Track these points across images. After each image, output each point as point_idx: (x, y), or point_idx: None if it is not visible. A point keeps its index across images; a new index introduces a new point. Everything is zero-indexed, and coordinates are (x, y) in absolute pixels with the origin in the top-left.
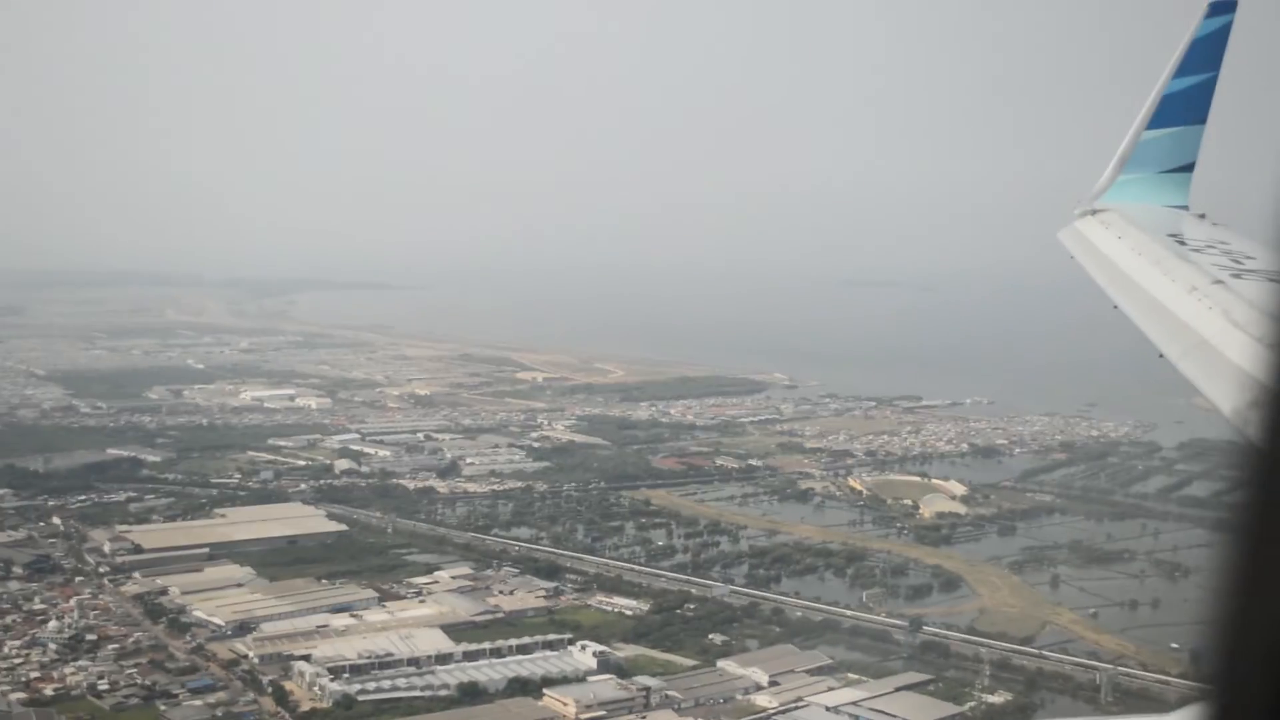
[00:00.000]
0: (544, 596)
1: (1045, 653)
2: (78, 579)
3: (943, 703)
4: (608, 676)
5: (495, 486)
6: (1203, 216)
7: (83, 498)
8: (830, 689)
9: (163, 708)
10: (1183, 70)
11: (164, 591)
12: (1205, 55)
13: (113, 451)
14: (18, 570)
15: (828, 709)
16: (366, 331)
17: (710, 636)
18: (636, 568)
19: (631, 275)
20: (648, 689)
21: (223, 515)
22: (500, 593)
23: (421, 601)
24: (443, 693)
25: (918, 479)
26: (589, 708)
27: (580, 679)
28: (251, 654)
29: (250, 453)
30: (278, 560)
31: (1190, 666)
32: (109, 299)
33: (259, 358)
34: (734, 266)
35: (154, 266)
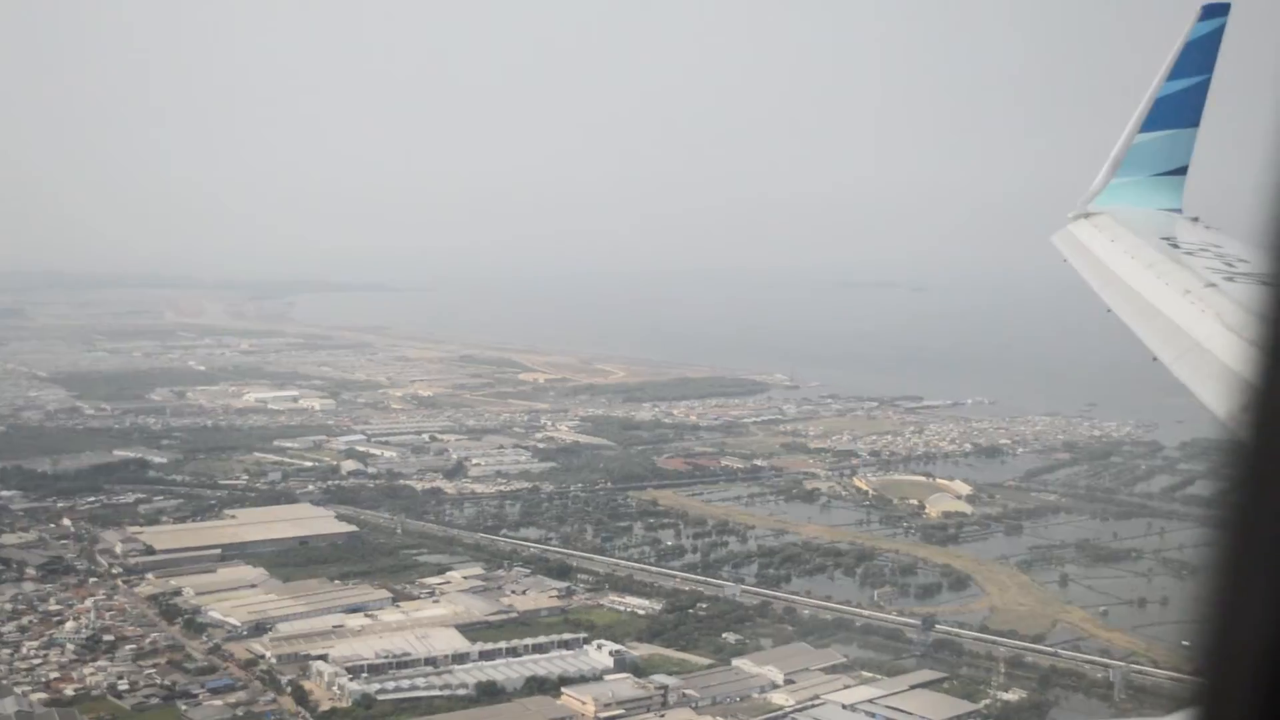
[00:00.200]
0: (557, 596)
1: (1058, 650)
2: (91, 580)
3: (958, 700)
4: (624, 675)
5: (502, 487)
6: (1196, 220)
7: (92, 499)
8: (846, 687)
9: (183, 707)
10: (1176, 73)
11: (178, 592)
12: (1199, 58)
13: (119, 453)
14: (31, 571)
15: (844, 707)
16: (367, 333)
17: (724, 635)
18: (647, 567)
19: (628, 280)
20: (665, 687)
21: (233, 516)
22: (513, 593)
23: (435, 601)
24: (461, 692)
25: (923, 479)
26: (607, 706)
27: (597, 678)
28: (269, 654)
29: (256, 454)
30: (289, 561)
31: (1183, 664)
32: (106, 301)
33: (260, 359)
34: (730, 270)
35: (149, 268)
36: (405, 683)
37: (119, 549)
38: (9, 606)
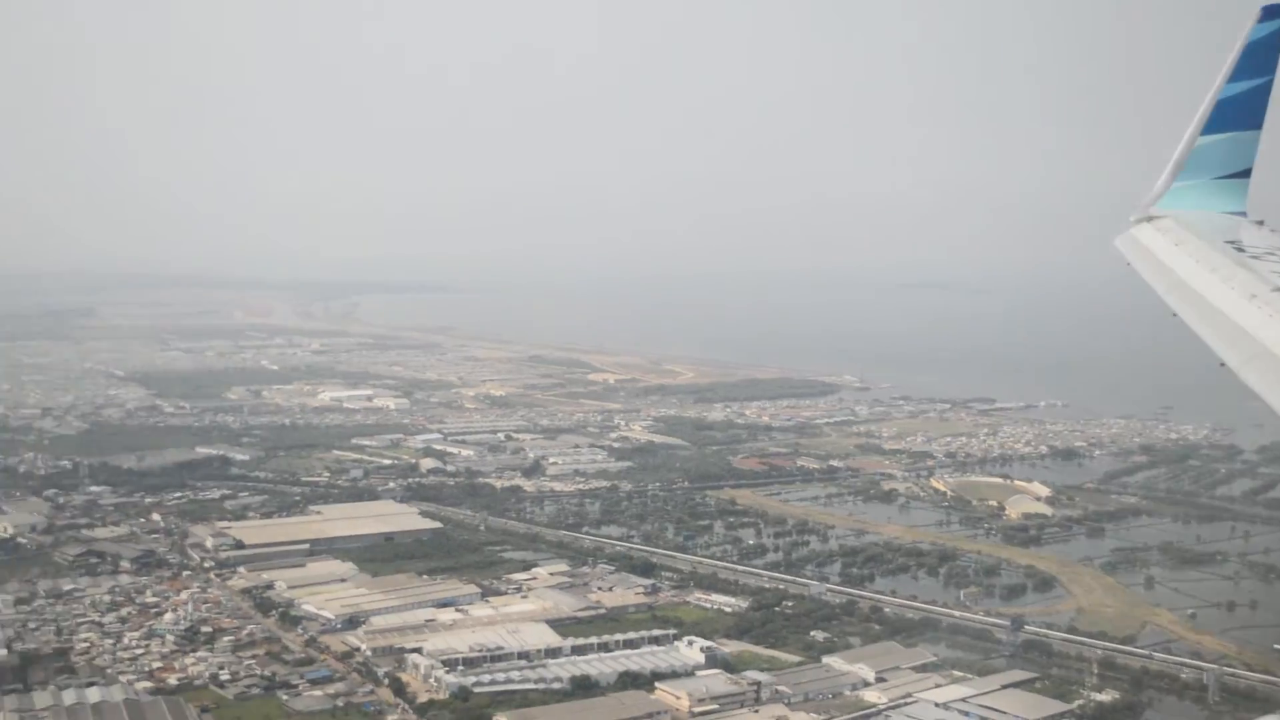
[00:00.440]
0: (643, 593)
1: (1152, 653)
2: (184, 573)
3: (1051, 700)
4: (716, 671)
5: (581, 485)
6: (1261, 223)
7: (178, 495)
8: (937, 685)
9: (284, 697)
10: (1237, 75)
11: (270, 586)
12: (1259, 59)
13: (202, 450)
14: (126, 565)
15: (937, 705)
16: (434, 333)
17: (812, 633)
18: (730, 565)
19: (688, 282)
20: (758, 683)
21: (318, 512)
22: (599, 589)
23: (524, 597)
24: (556, 685)
25: (1000, 480)
26: (701, 701)
27: (689, 673)
28: (364, 647)
29: (335, 452)
30: (376, 556)
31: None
32: (175, 300)
33: (332, 359)
34: (789, 270)
35: (214, 270)
36: (500, 676)
37: (209, 543)
38: (108, 598)
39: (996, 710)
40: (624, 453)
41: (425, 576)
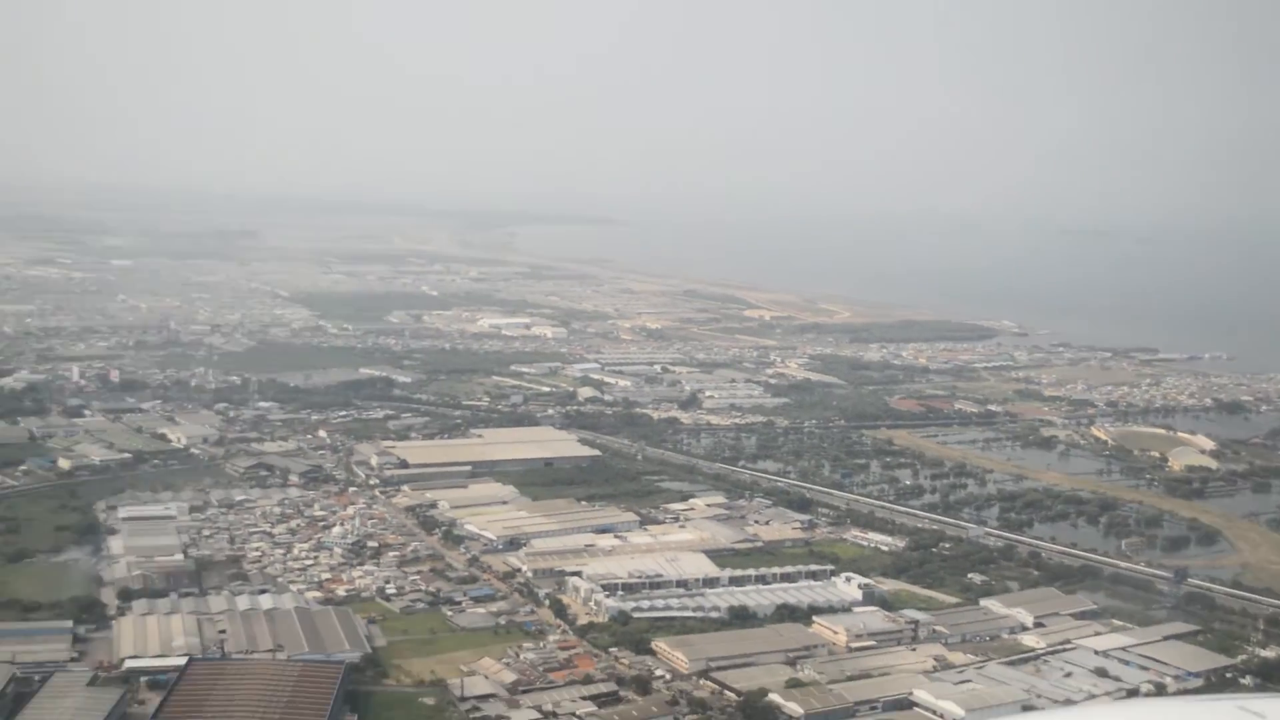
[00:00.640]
0: (799, 528)
1: None
2: (351, 489)
3: (1213, 654)
4: (873, 608)
5: (737, 420)
6: None
7: (343, 413)
8: (1097, 634)
9: (448, 613)
10: None
11: (434, 505)
12: None
13: (365, 371)
14: (294, 479)
15: (1097, 653)
16: (589, 265)
17: (969, 575)
18: (887, 505)
19: (842, 222)
20: (915, 622)
21: (479, 435)
22: (756, 522)
23: (681, 527)
24: (713, 615)
25: (1163, 431)
26: (859, 637)
27: (846, 609)
28: (525, 568)
29: (495, 377)
30: (536, 480)
31: None
32: (334, 225)
33: (489, 286)
34: (944, 213)
35: (374, 196)
36: (659, 602)
37: (374, 461)
38: (278, 510)
39: (1157, 660)
40: (780, 389)
41: (584, 503)
